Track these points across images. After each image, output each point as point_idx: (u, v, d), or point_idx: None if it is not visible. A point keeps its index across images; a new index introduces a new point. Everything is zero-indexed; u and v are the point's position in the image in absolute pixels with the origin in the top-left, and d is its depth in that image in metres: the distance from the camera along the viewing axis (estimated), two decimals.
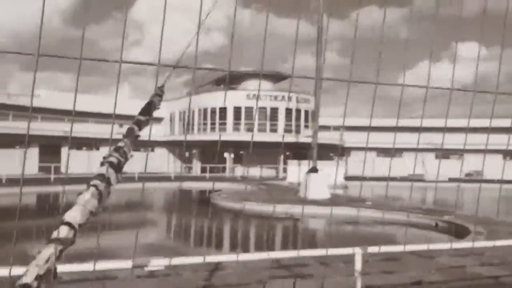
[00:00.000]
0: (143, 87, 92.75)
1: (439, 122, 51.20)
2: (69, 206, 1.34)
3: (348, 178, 40.18)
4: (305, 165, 32.86)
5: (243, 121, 39.41)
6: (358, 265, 3.53)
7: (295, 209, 15.76)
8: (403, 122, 50.45)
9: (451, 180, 41.27)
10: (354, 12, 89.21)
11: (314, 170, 19.95)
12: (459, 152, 50.47)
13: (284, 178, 34.10)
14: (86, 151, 40.40)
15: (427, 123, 50.39)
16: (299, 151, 37.98)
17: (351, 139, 51.54)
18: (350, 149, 51.08)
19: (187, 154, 42.56)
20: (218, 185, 29.05)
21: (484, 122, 44.47)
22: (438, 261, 7.60)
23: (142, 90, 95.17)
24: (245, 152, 38.90)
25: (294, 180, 32.26)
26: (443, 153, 51.06)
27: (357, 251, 3.48)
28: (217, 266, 6.64)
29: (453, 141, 49.37)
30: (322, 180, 19.27)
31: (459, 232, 11.59)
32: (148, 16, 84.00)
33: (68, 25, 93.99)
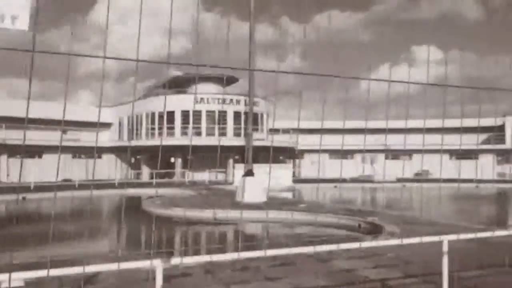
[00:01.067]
0: (105, 93, 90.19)
1: (390, 124, 52.22)
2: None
3: (300, 180, 40.34)
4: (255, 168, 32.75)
5: (191, 125, 38.80)
6: (158, 279, 3.12)
7: (224, 214, 15.39)
8: (356, 124, 51.29)
9: (399, 180, 42.14)
10: (316, 15, 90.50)
11: (249, 173, 19.64)
12: (408, 153, 51.68)
13: (233, 182, 33.70)
14: (29, 159, 38.69)
15: (379, 124, 51.33)
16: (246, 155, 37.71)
17: (304, 141, 51.96)
18: (303, 151, 51.36)
19: (132, 159, 41.47)
20: (164, 191, 28.35)
21: (435, 123, 45.93)
22: (332, 264, 7.38)
23: (104, 97, 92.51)
24: (194, 156, 38.28)
25: (263, 183, 31.95)
26: (393, 154, 52.12)
27: (157, 264, 3.07)
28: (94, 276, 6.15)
29: (405, 141, 50.56)
30: (258, 183, 18.97)
31: (378, 233, 11.52)
32: (109, 18, 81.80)
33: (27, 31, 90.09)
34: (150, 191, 28.35)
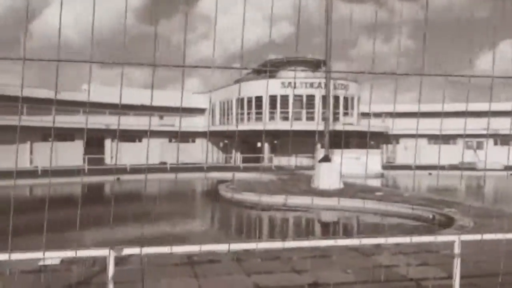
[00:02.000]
0: (211, 80, 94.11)
1: (498, 106, 47.39)
2: None
3: (393, 167, 38.42)
4: (337, 154, 31.85)
5: (278, 109, 38.78)
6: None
7: (294, 200, 15.17)
8: (459, 107, 47.27)
9: (507, 168, 38.13)
10: None
11: (326, 159, 19.08)
12: None
13: None
14: (130, 142, 41.72)
15: (485, 106, 46.82)
16: (335, 140, 36.75)
17: (401, 126, 49.19)
18: (398, 136, 48.75)
19: (221, 144, 42.71)
20: (247, 175, 28.83)
21: None
22: (373, 258, 6.83)
23: (211, 84, 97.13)
24: (281, 141, 38.34)
25: (340, 169, 31.30)
26: (502, 139, 47.23)
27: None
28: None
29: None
30: (333, 169, 18.36)
31: (451, 225, 10.51)
32: (215, 8, 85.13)
33: (141, 23, 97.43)
34: (235, 175, 29.03)
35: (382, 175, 31.22)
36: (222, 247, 4.12)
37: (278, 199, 15.15)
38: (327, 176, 18.21)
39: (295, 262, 6.48)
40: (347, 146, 38.52)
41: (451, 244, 7.62)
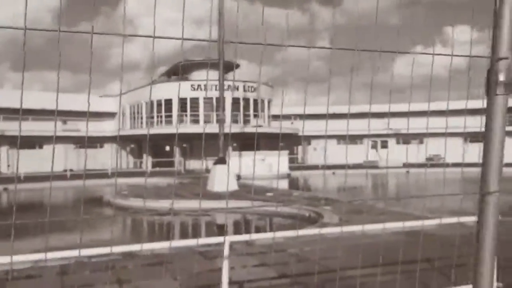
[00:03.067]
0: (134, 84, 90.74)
1: (400, 107, 50.52)
2: None
3: (301, 167, 39.43)
4: (248, 155, 32.07)
5: (188, 112, 38.28)
6: None
7: (181, 204, 14.84)
8: (364, 108, 49.71)
9: (405, 165, 40.72)
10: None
11: (221, 161, 18.95)
12: (419, 137, 49.90)
13: None
14: (29, 149, 39.01)
15: (386, 108, 49.59)
16: (247, 142, 37.02)
17: (312, 127, 50.77)
18: (310, 137, 50.29)
19: (128, 148, 41.41)
20: (154, 180, 28.07)
21: (454, 105, 44.32)
22: (214, 262, 6.66)
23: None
24: (191, 145, 37.84)
25: (236, 171, 31.33)
26: (404, 138, 50.44)
27: None
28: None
29: (415, 125, 48.78)
30: (227, 172, 18.27)
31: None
32: (139, 10, 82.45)
33: (57, 24, 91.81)
34: (139, 180, 28.11)
35: (288, 176, 31.84)
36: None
37: (164, 204, 14.72)
38: (221, 178, 18.07)
39: (126, 271, 6.12)
40: (258, 148, 38.90)
41: (302, 243, 7.69)
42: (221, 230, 12.13)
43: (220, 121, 20.00)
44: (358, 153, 47.20)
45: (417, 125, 48.76)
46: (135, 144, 42.26)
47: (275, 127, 41.67)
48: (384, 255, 6.90)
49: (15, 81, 77.71)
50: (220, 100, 20.25)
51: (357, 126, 48.86)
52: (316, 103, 52.55)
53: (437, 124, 46.16)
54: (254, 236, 6.49)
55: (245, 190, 18.20)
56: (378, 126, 49.60)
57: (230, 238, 3.65)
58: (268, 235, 7.10)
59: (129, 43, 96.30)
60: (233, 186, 18.21)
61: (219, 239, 3.60)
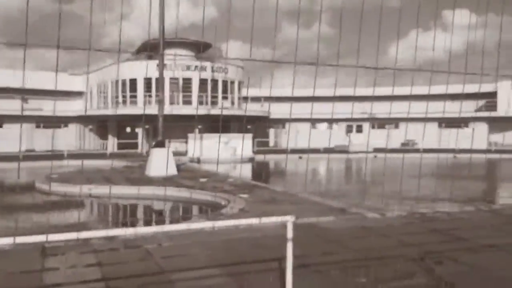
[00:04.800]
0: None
1: (376, 91, 49.70)
2: None
3: (267, 151, 38.50)
4: (209, 138, 31.18)
5: (154, 93, 37.12)
6: None
7: (100, 190, 14.02)
8: (340, 92, 48.84)
9: (376, 150, 40.08)
10: None
11: (160, 144, 18.07)
12: (394, 122, 49.24)
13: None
14: None
15: (364, 92, 48.79)
16: (213, 124, 36.13)
17: (287, 110, 49.83)
18: (284, 120, 49.36)
19: (88, 128, 40.31)
20: (104, 162, 27.10)
21: (422, 90, 43.55)
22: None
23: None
24: (152, 126, 36.81)
25: (196, 154, 30.50)
26: (379, 122, 49.77)
27: None
28: None
29: (392, 110, 47.86)
30: (165, 155, 17.38)
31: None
32: None
33: (54, 1, 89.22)
34: (96, 163, 27.18)
35: (252, 160, 31.07)
36: None
37: (84, 190, 13.88)
38: (158, 162, 17.21)
39: None
40: (227, 131, 37.95)
41: (169, 237, 6.90)
42: (108, 217, 11.41)
43: (160, 102, 19.01)
44: (332, 137, 46.50)
45: (393, 109, 48.15)
46: (103, 125, 41.14)
47: (244, 110, 40.72)
48: (241, 253, 6.12)
49: (6, 59, 75.68)
50: (160, 81, 19.24)
51: (335, 110, 48.08)
52: (318, 86, 51.33)
53: (413, 109, 45.31)
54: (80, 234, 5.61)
55: (184, 175, 17.40)
56: (354, 110, 48.86)
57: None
58: (119, 231, 6.27)
59: (124, 20, 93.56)
60: (172, 170, 17.37)
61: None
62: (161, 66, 19.36)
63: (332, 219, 8.59)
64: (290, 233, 3.89)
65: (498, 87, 45.46)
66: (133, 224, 10.48)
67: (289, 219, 3.85)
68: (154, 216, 12.38)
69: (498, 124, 46.92)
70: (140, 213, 12.90)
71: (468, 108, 48.95)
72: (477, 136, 46.81)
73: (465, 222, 8.50)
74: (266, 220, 3.86)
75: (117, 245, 6.53)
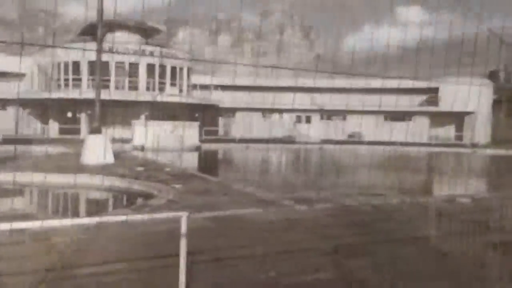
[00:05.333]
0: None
1: (325, 83, 50.46)
2: None
3: (217, 140, 38.20)
4: (154, 126, 30.48)
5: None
6: None
7: (26, 178, 13.28)
8: (291, 83, 49.17)
9: (323, 141, 40.78)
10: None
11: (95, 130, 17.39)
12: (342, 114, 50.19)
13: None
14: None
15: (319, 84, 49.37)
16: (160, 112, 35.34)
17: (238, 99, 49.63)
18: (235, 109, 49.13)
19: (25, 112, 38.48)
20: (42, 148, 25.85)
21: (373, 84, 44.44)
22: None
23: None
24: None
25: (140, 142, 29.74)
26: (328, 114, 50.57)
27: None
28: None
29: (340, 102, 48.76)
30: (101, 143, 16.73)
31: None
32: None
33: None
34: (35, 149, 25.95)
35: (198, 149, 30.68)
36: None
37: (8, 177, 13.10)
38: (94, 150, 16.56)
39: None
40: (176, 118, 37.22)
41: (84, 230, 6.57)
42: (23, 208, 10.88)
43: (97, 87, 18.26)
44: (280, 127, 46.85)
45: (342, 102, 49.06)
46: (41, 109, 39.27)
47: (193, 98, 40.16)
48: (154, 247, 5.90)
49: None
50: (97, 64, 18.48)
51: (285, 100, 48.37)
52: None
53: (366, 102, 46.28)
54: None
55: (121, 163, 16.86)
56: (302, 101, 49.38)
57: None
58: (24, 224, 5.86)
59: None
60: (109, 158, 16.77)
61: None
62: (100, 48, 18.58)
63: (260, 211, 8.53)
64: (184, 229, 3.72)
65: (440, 83, 47.29)
66: (47, 216, 9.95)
67: (183, 215, 3.68)
68: (71, 206, 11.88)
69: (439, 118, 48.95)
70: (56, 203, 12.35)
71: (414, 103, 50.75)
72: (419, 130, 48.70)
73: (388, 215, 8.69)
74: (158, 216, 3.67)
75: (24, 239, 6.14)
